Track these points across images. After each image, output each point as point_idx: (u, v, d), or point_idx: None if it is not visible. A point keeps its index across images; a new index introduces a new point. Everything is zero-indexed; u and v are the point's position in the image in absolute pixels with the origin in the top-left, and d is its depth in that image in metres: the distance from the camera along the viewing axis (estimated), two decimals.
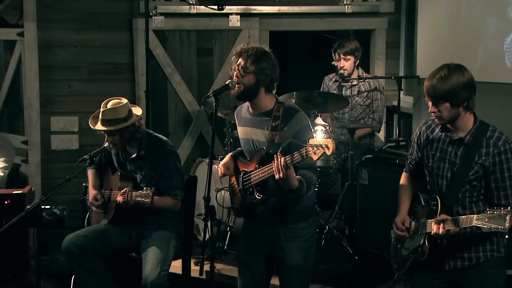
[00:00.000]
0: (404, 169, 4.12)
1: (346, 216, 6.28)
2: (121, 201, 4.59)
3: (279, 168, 3.69)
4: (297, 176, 3.80)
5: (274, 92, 4.12)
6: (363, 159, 5.84)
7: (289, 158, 3.67)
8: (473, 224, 3.47)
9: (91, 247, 4.78)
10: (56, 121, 7.04)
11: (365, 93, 6.60)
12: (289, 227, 4.04)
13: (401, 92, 6.56)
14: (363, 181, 5.79)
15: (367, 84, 6.62)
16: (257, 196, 3.95)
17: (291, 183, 3.75)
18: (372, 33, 7.55)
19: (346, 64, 6.52)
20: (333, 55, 6.63)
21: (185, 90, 7.18)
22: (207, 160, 6.44)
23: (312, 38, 9.16)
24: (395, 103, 7.28)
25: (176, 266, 5.35)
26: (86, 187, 6.30)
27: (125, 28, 7.06)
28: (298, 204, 4.01)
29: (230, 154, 4.29)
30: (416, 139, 3.96)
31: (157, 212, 4.81)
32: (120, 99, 4.87)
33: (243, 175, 4.07)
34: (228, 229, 6.01)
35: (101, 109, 4.79)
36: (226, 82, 4.47)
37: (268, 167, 3.83)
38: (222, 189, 6.04)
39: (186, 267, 5.23)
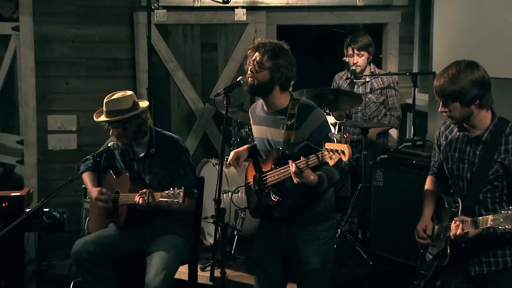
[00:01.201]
0: (429, 172, 4.15)
1: (359, 219, 6.29)
2: (141, 203, 4.58)
3: (294, 175, 3.73)
4: (319, 172, 3.82)
5: (290, 89, 4.13)
6: (377, 160, 5.85)
7: (304, 163, 3.70)
8: (489, 224, 3.48)
9: (102, 253, 4.80)
10: (53, 120, 7.03)
11: (379, 90, 6.62)
12: (307, 230, 4.06)
13: (414, 90, 6.58)
14: (378, 182, 5.79)
15: (380, 80, 6.64)
16: (273, 198, 3.98)
17: (309, 181, 3.76)
18: (385, 27, 7.56)
19: (359, 60, 6.53)
20: (345, 51, 6.64)
21: (188, 87, 7.19)
22: (212, 160, 6.47)
23: (316, 33, 9.18)
24: (409, 100, 7.30)
25: (181, 272, 5.36)
26: (86, 189, 6.33)
27: (126, 22, 7.05)
28: (316, 206, 4.05)
29: (247, 145, 4.33)
30: (436, 141, 3.98)
31: (168, 214, 4.81)
32: (125, 92, 4.91)
33: (259, 175, 4.09)
34: (236, 232, 6.03)
35: (105, 101, 4.82)
36: (237, 79, 4.49)
37: (284, 168, 3.85)
38: (229, 191, 6.09)
39: (192, 272, 5.23)
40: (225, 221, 5.78)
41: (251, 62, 4.03)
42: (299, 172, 3.70)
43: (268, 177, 4.01)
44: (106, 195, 4.91)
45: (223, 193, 6.16)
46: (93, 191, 4.99)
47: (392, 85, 6.64)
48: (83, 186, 6.32)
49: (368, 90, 6.60)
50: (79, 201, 6.43)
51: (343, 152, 3.50)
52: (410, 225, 5.36)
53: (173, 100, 7.22)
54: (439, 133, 3.96)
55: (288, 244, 4.12)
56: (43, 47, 6.92)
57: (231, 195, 6.10)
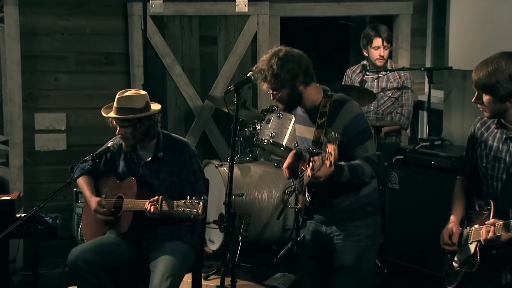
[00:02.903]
0: (459, 172, 4.16)
1: None
2: (152, 210, 4.60)
3: (312, 178, 3.87)
4: (341, 162, 3.92)
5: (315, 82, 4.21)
6: (393, 160, 5.88)
7: (316, 165, 3.82)
8: None
9: (100, 262, 4.79)
10: (40, 118, 7.00)
11: (395, 85, 6.65)
12: (344, 225, 4.18)
13: (429, 86, 6.62)
14: (393, 185, 5.83)
15: (396, 75, 6.67)
16: (307, 198, 4.14)
17: (327, 175, 3.87)
18: (395, 19, 7.61)
19: (386, 53, 6.58)
20: (366, 43, 6.64)
21: (186, 83, 7.20)
22: (214, 162, 6.50)
23: (321, 26, 9.24)
24: (421, 97, 7.36)
25: (184, 281, 5.37)
26: (78, 193, 6.33)
27: (119, 13, 7.04)
28: (353, 201, 4.15)
29: (293, 152, 4.39)
30: (470, 137, 3.98)
31: (174, 220, 4.82)
32: (138, 90, 4.98)
33: (300, 175, 4.24)
34: (240, 239, 6.06)
35: (117, 96, 4.84)
36: (248, 75, 4.54)
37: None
38: (233, 194, 6.10)
39: (196, 282, 5.24)
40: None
41: (266, 90, 4.20)
42: (314, 173, 3.83)
43: (304, 177, 4.14)
44: (106, 208, 4.93)
45: (226, 197, 6.19)
46: (93, 201, 4.98)
47: (408, 82, 6.68)
48: (75, 190, 6.34)
49: (383, 85, 6.64)
50: (69, 206, 6.43)
51: (331, 154, 3.65)
52: (428, 230, 5.45)
53: (170, 97, 7.22)
54: (475, 129, 3.96)
55: (327, 241, 4.24)
56: (29, 40, 6.88)
57: (235, 199, 6.13)
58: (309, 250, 4.42)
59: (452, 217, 4.01)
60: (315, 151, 3.98)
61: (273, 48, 4.17)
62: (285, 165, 4.31)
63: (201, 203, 4.48)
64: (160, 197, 4.61)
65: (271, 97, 4.19)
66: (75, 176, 4.86)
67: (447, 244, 3.95)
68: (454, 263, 3.98)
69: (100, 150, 4.96)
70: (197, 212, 4.49)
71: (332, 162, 3.66)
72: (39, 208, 4.44)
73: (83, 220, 5.32)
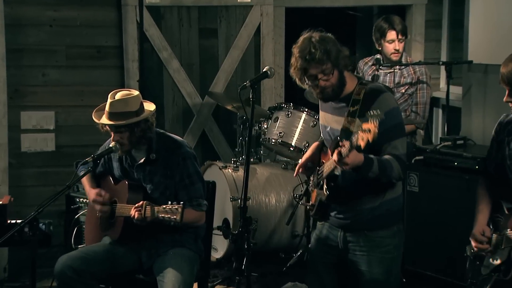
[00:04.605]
0: (482, 173, 4.20)
1: None
2: (136, 217, 4.61)
3: (337, 163, 3.80)
4: (371, 155, 3.89)
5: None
6: (412, 161, 5.91)
7: (345, 150, 3.75)
8: None
9: (89, 271, 4.77)
10: (27, 117, 7.02)
11: (409, 80, 6.70)
12: (368, 235, 4.14)
13: (444, 82, 6.67)
14: (412, 187, 5.86)
15: (411, 69, 6.72)
16: (324, 192, 4.08)
17: (355, 163, 3.82)
18: (409, 9, 7.67)
19: (401, 46, 6.61)
20: (379, 37, 6.66)
21: (184, 79, 7.23)
22: (218, 163, 6.53)
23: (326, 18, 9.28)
24: (436, 94, 7.41)
25: None
26: (71, 196, 6.34)
27: (112, 4, 7.07)
28: (376, 207, 4.11)
29: (316, 143, 4.39)
30: (495, 136, 4.03)
31: (173, 227, 4.85)
32: (130, 90, 4.92)
33: (318, 168, 4.21)
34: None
35: (109, 100, 4.82)
36: (264, 70, 4.58)
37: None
38: (238, 198, 6.15)
39: None
40: (235, 232, 5.88)
41: (312, 78, 4.04)
42: (341, 158, 3.76)
43: (324, 169, 4.10)
44: (104, 198, 4.93)
45: (231, 201, 6.23)
46: (91, 192, 4.99)
47: (424, 77, 6.72)
48: (66, 194, 6.36)
49: (396, 80, 6.68)
50: (59, 211, 6.43)
51: (369, 131, 3.59)
52: (450, 236, 5.49)
53: (167, 94, 7.26)
54: (500, 128, 4.00)
55: (347, 251, 4.21)
56: (15, 33, 6.89)
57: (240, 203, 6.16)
58: (319, 256, 4.37)
59: (478, 219, 4.06)
60: (343, 140, 3.91)
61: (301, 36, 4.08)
62: (302, 159, 4.30)
63: (179, 209, 4.44)
64: (145, 202, 4.60)
65: (317, 87, 4.04)
66: (73, 180, 4.84)
67: (481, 241, 3.98)
68: (482, 270, 4.02)
69: (101, 151, 4.96)
70: (175, 219, 4.45)
71: (370, 140, 3.58)
72: (37, 213, 4.45)
73: (86, 225, 5.34)
